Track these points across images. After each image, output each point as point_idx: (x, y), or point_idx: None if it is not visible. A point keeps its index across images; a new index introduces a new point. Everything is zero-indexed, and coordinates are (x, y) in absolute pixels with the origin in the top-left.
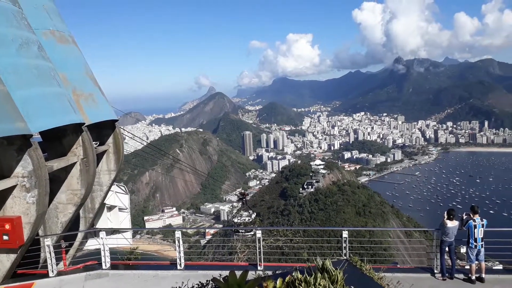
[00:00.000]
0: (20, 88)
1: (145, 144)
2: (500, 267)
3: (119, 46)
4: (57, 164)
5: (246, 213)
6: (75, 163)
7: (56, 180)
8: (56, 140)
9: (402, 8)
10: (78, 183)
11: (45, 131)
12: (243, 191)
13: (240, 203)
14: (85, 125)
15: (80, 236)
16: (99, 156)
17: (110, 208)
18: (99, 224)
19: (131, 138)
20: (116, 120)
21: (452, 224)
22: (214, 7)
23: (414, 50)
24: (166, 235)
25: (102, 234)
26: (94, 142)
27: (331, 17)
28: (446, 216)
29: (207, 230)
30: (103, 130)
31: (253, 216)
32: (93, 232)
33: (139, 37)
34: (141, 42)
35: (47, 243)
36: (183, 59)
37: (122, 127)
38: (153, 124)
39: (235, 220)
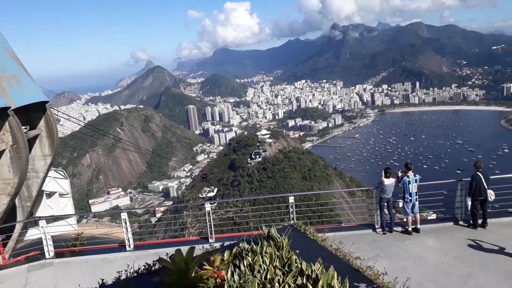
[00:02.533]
0: None
1: (82, 125)
2: (433, 216)
3: (44, 21)
4: None
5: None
6: (4, 150)
7: None
8: None
9: None
10: (10, 171)
11: None
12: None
13: (189, 179)
14: (11, 109)
15: (18, 226)
16: (31, 141)
17: (50, 194)
18: (40, 212)
19: (66, 119)
20: (46, 102)
21: (389, 181)
22: None
23: (348, 16)
24: (114, 216)
25: (42, 222)
26: (23, 127)
27: None
28: (383, 175)
29: (156, 208)
30: (32, 113)
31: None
32: (33, 221)
33: (67, 10)
34: (69, 16)
35: None
36: (116, 33)
37: (55, 108)
38: (89, 104)
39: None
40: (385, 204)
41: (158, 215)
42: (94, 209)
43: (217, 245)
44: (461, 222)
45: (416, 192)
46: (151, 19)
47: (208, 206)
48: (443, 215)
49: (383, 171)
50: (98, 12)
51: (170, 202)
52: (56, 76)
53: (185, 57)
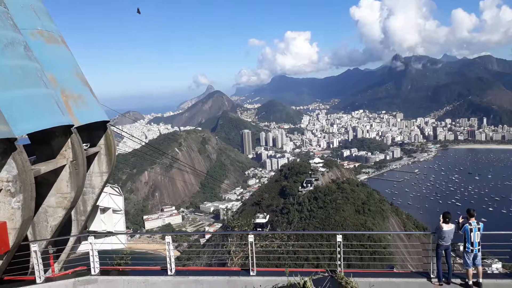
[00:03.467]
0: (4, 90)
1: (143, 143)
2: (499, 264)
3: (116, 44)
4: (45, 167)
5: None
6: (64, 165)
7: (45, 183)
8: (45, 143)
9: (399, 5)
10: (68, 186)
11: (33, 133)
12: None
13: (239, 203)
14: (75, 126)
15: (71, 239)
16: (91, 158)
17: (104, 210)
18: (93, 227)
19: (129, 138)
20: (108, 121)
21: (448, 227)
22: (212, 6)
23: (412, 47)
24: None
25: (91, 238)
26: (84, 144)
27: (329, 14)
28: (441, 220)
29: (206, 229)
30: (94, 131)
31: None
32: (86, 235)
33: (137, 35)
34: (140, 41)
35: (34, 248)
36: (181, 57)
37: (119, 126)
38: (152, 123)
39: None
40: (443, 252)
41: (207, 236)
42: (147, 225)
43: (257, 279)
44: None
45: (478, 242)
46: (214, 46)
47: (251, 237)
48: (509, 270)
49: (442, 216)
50: (164, 38)
51: (219, 225)
52: (124, 95)
53: (244, 83)
